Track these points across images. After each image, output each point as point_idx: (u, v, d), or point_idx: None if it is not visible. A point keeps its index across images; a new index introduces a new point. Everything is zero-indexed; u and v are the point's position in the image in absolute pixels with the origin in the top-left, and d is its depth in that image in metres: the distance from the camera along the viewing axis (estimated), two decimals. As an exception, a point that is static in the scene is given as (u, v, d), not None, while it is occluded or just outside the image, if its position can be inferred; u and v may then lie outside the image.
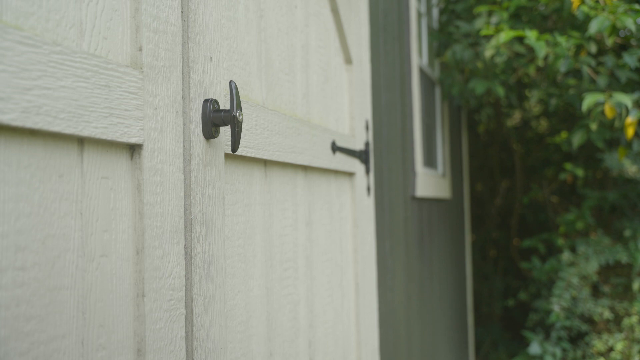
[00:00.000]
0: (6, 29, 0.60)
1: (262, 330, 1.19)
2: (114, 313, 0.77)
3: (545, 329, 4.66)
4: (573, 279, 4.24)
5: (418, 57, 3.62)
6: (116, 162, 0.79)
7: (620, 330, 4.22)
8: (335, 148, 1.61)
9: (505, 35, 3.25)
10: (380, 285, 2.19)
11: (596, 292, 4.48)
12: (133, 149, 0.82)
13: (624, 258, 4.07)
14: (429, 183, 3.68)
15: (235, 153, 1.04)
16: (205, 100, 0.97)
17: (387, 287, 2.42)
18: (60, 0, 0.70)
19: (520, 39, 3.48)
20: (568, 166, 4.46)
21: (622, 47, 3.84)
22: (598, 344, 4.30)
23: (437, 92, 4.53)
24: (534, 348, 4.33)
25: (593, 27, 2.98)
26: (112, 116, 0.75)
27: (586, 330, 4.42)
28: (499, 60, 3.47)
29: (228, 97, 1.05)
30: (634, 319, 4.05)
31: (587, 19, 3.30)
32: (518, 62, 3.70)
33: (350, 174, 1.81)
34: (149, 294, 0.82)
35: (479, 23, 3.70)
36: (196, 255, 0.93)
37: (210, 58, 1.00)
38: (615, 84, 3.56)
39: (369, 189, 1.96)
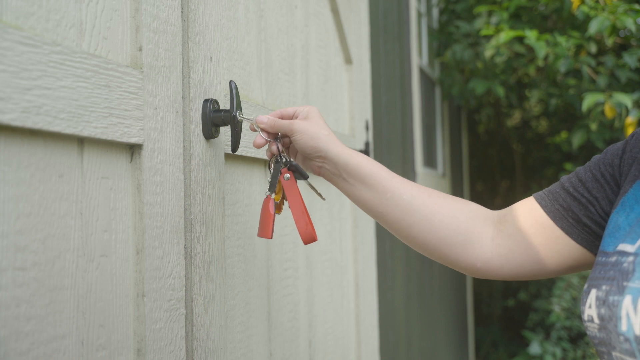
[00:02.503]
0: (6, 29, 0.60)
1: (262, 330, 1.19)
2: (114, 313, 0.77)
3: (545, 329, 4.66)
4: (573, 279, 4.24)
5: (418, 57, 3.63)
6: (116, 162, 0.79)
7: (620, 330, 4.21)
8: (335, 148, 1.61)
9: (505, 35, 3.25)
10: (380, 285, 2.19)
11: (596, 292, 4.47)
12: (133, 149, 0.82)
13: (624, 258, 4.07)
14: (429, 183, 3.68)
15: (235, 153, 1.04)
16: (205, 100, 0.97)
17: (387, 287, 2.42)
18: (60, 0, 0.70)
19: (520, 39, 3.48)
20: (568, 166, 4.46)
21: (622, 47, 3.83)
22: (598, 344, 4.29)
23: (437, 92, 4.53)
24: (534, 348, 4.33)
25: (593, 27, 2.98)
26: (112, 116, 0.75)
27: (586, 330, 4.41)
28: (499, 60, 3.47)
29: (228, 97, 1.05)
30: (634, 319, 4.05)
31: (587, 19, 3.30)
32: (518, 62, 3.70)
33: (350, 174, 1.81)
34: (149, 294, 0.82)
35: (479, 23, 3.70)
36: (196, 255, 0.93)
37: (210, 58, 1.00)
38: (615, 84, 3.56)
39: (369, 189, 1.95)
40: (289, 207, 0.97)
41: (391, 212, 0.94)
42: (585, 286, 0.79)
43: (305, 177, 0.98)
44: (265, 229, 0.96)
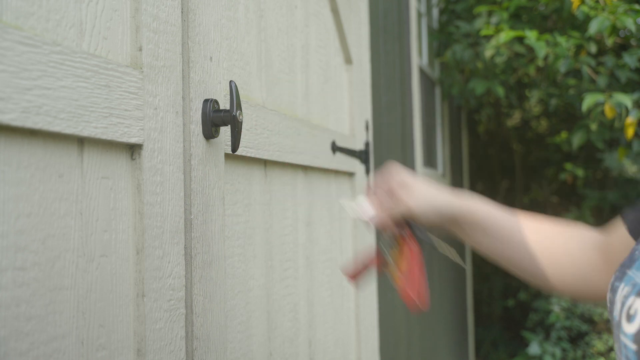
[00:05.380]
0: (6, 29, 0.60)
1: (262, 330, 1.19)
2: (114, 313, 0.77)
3: (545, 329, 4.66)
4: (573, 279, 4.23)
5: (418, 57, 3.62)
6: (116, 162, 0.79)
7: (620, 330, 4.21)
8: (335, 148, 1.61)
9: (505, 35, 3.25)
10: (380, 285, 2.19)
11: (596, 292, 4.48)
12: (133, 149, 0.82)
13: (624, 258, 4.08)
14: (429, 183, 3.66)
15: (235, 153, 1.04)
16: (205, 100, 0.97)
17: (387, 287, 2.42)
18: (60, 0, 0.70)
19: (520, 39, 3.48)
20: (568, 166, 4.46)
21: (622, 47, 3.83)
22: (598, 344, 4.30)
23: (437, 92, 4.53)
24: (534, 348, 4.33)
25: (593, 27, 2.98)
26: (112, 116, 0.75)
27: (586, 330, 4.42)
28: (499, 60, 3.47)
29: (228, 97, 1.05)
30: (634, 319, 4.05)
31: (587, 19, 3.30)
32: (518, 62, 3.70)
33: (350, 174, 1.81)
34: (149, 294, 0.82)
35: (479, 23, 3.70)
36: (196, 255, 0.93)
37: (210, 58, 1.00)
38: (615, 84, 3.56)
39: (369, 189, 1.95)
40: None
41: (508, 254, 0.97)
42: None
43: (423, 240, 0.92)
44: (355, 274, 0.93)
